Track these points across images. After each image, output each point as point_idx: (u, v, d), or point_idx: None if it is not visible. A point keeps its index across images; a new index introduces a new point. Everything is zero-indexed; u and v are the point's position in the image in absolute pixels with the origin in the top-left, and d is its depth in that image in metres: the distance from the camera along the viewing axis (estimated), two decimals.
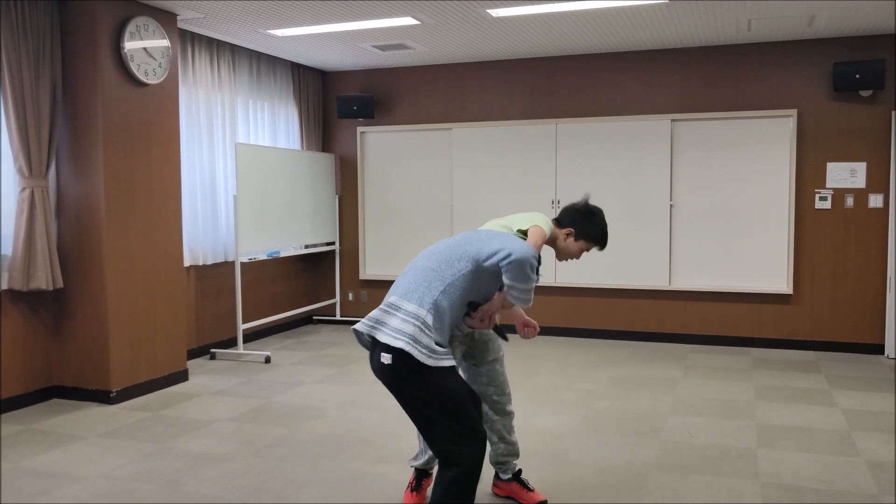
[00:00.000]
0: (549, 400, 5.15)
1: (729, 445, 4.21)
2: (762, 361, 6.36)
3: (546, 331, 7.54)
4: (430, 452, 3.37)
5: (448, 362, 2.65)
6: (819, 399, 5.17)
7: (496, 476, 3.52)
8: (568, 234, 3.21)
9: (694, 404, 5.04)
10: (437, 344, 2.65)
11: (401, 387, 2.66)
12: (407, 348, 2.58)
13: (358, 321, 7.96)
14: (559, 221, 3.22)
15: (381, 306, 2.74)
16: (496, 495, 3.53)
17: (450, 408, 2.64)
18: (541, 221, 3.11)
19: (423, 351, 2.60)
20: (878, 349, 6.60)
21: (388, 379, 2.66)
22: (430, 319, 2.63)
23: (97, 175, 5.03)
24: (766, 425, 4.58)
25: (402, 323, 2.63)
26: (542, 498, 3.38)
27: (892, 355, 6.46)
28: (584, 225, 3.19)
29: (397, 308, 2.68)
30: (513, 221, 3.14)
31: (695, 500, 3.44)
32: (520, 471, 3.49)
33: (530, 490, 3.42)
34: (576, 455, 4.07)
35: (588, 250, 3.26)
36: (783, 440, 4.30)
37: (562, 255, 3.26)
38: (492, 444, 3.43)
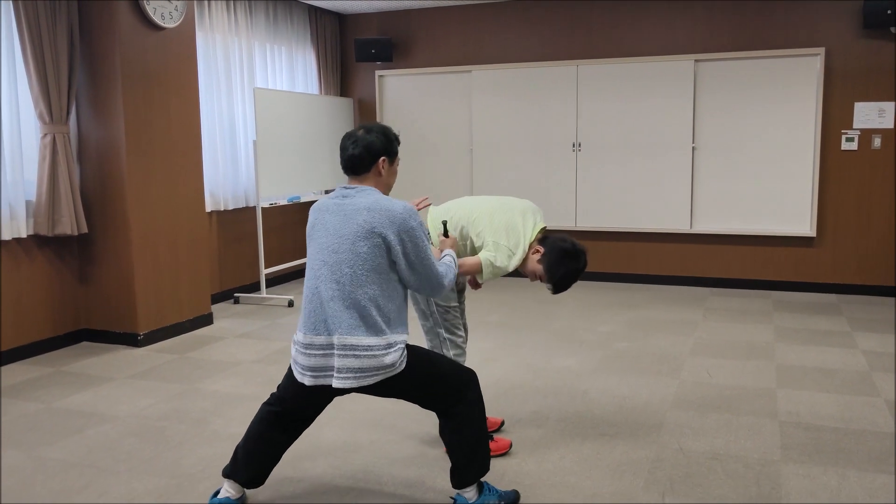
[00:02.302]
0: (570, 341, 5.19)
1: (748, 385, 4.24)
2: (783, 304, 6.34)
3: None
4: None
5: (402, 349, 2.61)
6: (840, 341, 5.16)
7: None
8: (537, 252, 3.13)
9: (713, 346, 5.06)
10: (394, 339, 2.60)
11: (383, 393, 2.67)
12: (378, 379, 2.57)
13: None
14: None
15: (324, 350, 2.58)
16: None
17: (430, 378, 2.68)
18: (511, 243, 3.11)
19: (389, 369, 2.57)
20: None
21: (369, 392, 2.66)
22: (389, 338, 2.58)
23: (117, 120, 5.04)
24: (786, 366, 4.59)
25: (364, 361, 2.54)
26: (508, 442, 3.36)
27: None
28: (558, 259, 3.08)
29: (352, 347, 2.53)
30: (485, 218, 3.18)
31: (713, 438, 3.48)
32: None
33: (492, 437, 3.34)
34: (595, 393, 4.11)
35: (541, 280, 3.17)
36: (802, 380, 4.32)
37: (522, 264, 3.20)
38: None
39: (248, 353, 5.01)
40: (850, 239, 6.67)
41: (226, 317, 6.10)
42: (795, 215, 6.77)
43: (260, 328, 5.70)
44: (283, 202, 7.03)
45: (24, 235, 4.82)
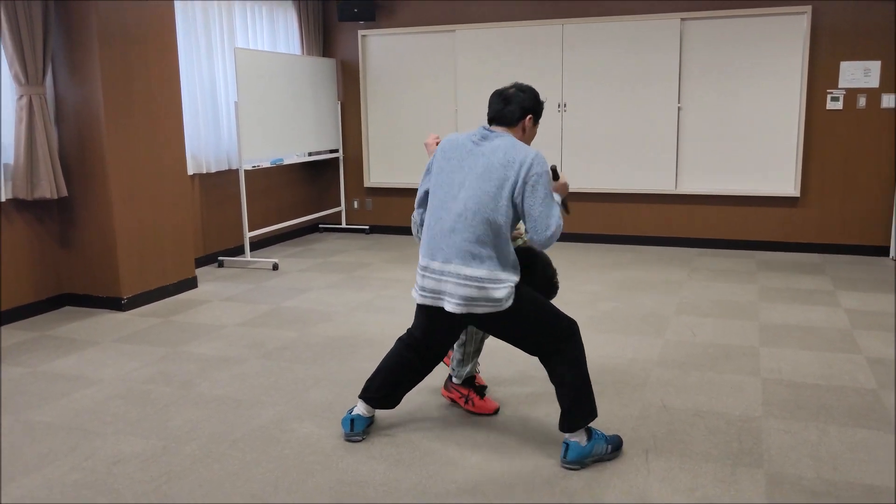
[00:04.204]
0: (555, 301, 5.21)
1: (732, 344, 4.28)
2: (767, 264, 6.39)
3: None
4: (469, 362, 3.40)
5: (512, 287, 2.76)
6: (822, 300, 5.21)
7: (448, 379, 3.46)
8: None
9: (698, 305, 5.09)
10: (505, 276, 2.75)
11: (489, 328, 2.85)
12: (486, 311, 2.75)
13: (365, 228, 7.97)
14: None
15: (442, 274, 2.79)
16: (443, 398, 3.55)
17: (537, 322, 2.81)
18: None
19: (497, 303, 2.74)
20: (884, 251, 6.61)
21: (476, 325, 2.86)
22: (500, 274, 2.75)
23: (94, 80, 4.94)
24: (769, 325, 4.63)
25: (474, 291, 2.73)
26: (496, 405, 3.38)
27: None
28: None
29: (465, 277, 2.74)
30: None
31: (696, 396, 3.52)
32: (474, 377, 3.43)
33: (484, 396, 3.40)
34: None
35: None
36: (785, 339, 4.36)
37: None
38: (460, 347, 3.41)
39: (232, 317, 4.99)
40: (834, 199, 6.70)
41: (210, 280, 6.07)
42: (780, 175, 6.79)
43: (244, 291, 5.68)
44: (267, 164, 6.96)
45: (2, 199, 4.75)
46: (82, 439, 3.15)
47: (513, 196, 2.72)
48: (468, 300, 2.74)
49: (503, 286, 2.73)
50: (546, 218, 2.71)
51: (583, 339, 4.37)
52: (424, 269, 2.84)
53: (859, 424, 3.19)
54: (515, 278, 2.78)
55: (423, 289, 2.85)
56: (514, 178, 2.70)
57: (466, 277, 2.73)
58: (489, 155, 2.76)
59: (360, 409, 3.12)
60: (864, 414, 3.30)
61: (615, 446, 2.91)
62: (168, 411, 3.44)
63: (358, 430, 3.09)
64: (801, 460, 2.87)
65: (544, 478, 2.77)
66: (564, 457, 2.83)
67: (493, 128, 2.88)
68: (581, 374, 2.85)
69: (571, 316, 4.84)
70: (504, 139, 2.79)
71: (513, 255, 2.80)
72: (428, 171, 2.95)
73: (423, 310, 2.96)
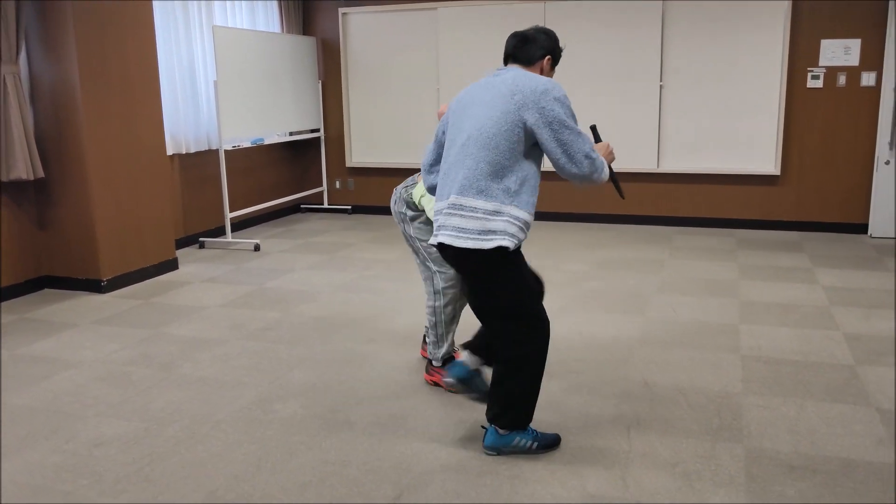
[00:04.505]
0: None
1: (712, 322, 4.32)
2: (747, 242, 6.44)
3: (535, 215, 7.56)
4: (446, 341, 3.40)
5: (512, 223, 2.53)
6: (801, 277, 5.26)
7: (429, 363, 3.48)
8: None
9: (679, 284, 5.13)
10: (507, 209, 2.53)
11: (470, 275, 2.64)
12: (475, 244, 2.52)
13: (347, 209, 7.94)
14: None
15: (452, 209, 2.56)
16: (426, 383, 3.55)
17: (516, 291, 2.61)
18: None
19: (488, 236, 2.52)
20: (863, 229, 6.68)
21: (471, 268, 2.62)
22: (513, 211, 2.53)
23: (70, 59, 4.85)
24: (749, 302, 4.68)
25: (486, 223, 2.51)
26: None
27: (875, 234, 6.55)
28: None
29: (460, 207, 2.54)
30: None
31: (678, 373, 3.55)
32: (452, 356, 3.45)
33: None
34: (563, 331, 4.16)
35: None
36: (765, 316, 4.40)
37: None
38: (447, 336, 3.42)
39: (214, 298, 4.97)
40: (814, 177, 6.75)
41: (191, 262, 6.03)
42: (761, 154, 6.82)
43: (226, 272, 5.65)
44: (247, 144, 6.90)
45: None
46: (63, 422, 3.13)
47: (525, 126, 2.49)
48: (459, 230, 2.53)
49: (500, 219, 2.50)
50: (576, 144, 2.47)
51: (567, 317, 4.40)
52: (438, 211, 2.64)
53: (836, 399, 3.23)
54: (519, 214, 2.52)
55: (439, 228, 2.64)
56: (522, 105, 2.49)
57: (462, 206, 2.53)
58: (498, 85, 2.57)
59: (466, 359, 2.93)
60: (841, 389, 3.34)
61: (545, 444, 2.79)
62: (150, 393, 3.42)
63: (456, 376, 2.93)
64: (779, 435, 2.91)
65: (527, 453, 2.78)
66: (483, 439, 2.81)
67: (510, 66, 2.71)
68: (521, 384, 2.68)
69: (554, 295, 4.87)
70: (516, 70, 2.61)
71: (524, 196, 2.54)
72: (436, 137, 2.82)
73: (440, 249, 2.70)
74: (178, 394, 3.40)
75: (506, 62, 2.76)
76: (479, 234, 2.51)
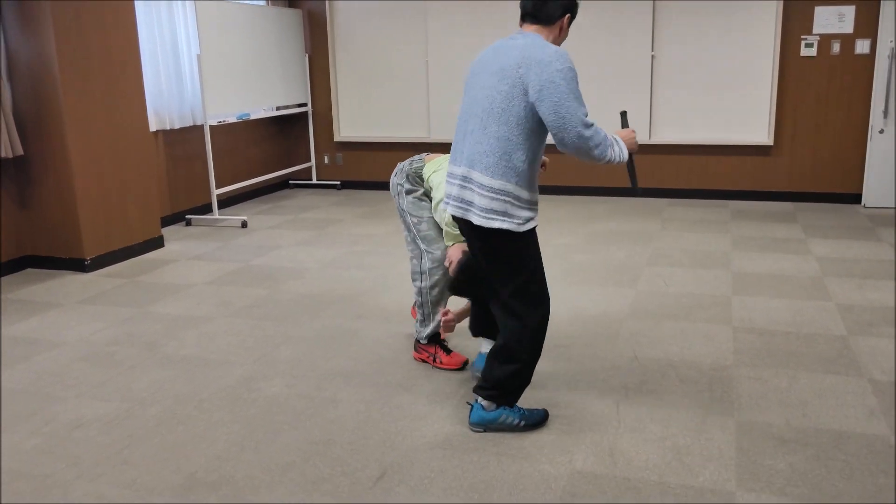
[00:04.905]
0: None
1: (704, 293, 4.27)
2: (740, 213, 6.38)
3: None
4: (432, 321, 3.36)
5: (516, 204, 2.54)
6: (794, 248, 5.21)
7: (417, 342, 3.44)
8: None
9: (671, 256, 5.07)
10: (514, 190, 2.52)
11: (481, 254, 2.65)
12: (486, 222, 2.53)
13: (336, 184, 7.85)
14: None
15: (464, 182, 2.58)
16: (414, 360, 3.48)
17: (521, 272, 2.60)
18: None
19: (517, 221, 2.54)
20: (856, 199, 6.63)
21: (483, 242, 2.62)
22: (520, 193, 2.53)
23: (47, 34, 4.73)
24: (742, 274, 4.63)
25: (491, 201, 2.51)
26: (463, 358, 3.35)
27: (869, 204, 6.50)
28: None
29: (473, 181, 2.54)
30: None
31: (668, 346, 3.51)
32: (438, 333, 3.40)
33: (450, 351, 3.37)
34: (553, 305, 4.11)
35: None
36: (757, 287, 4.36)
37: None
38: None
39: (200, 276, 4.90)
40: (807, 147, 6.68)
41: (177, 239, 5.95)
42: (754, 124, 6.74)
43: (212, 250, 5.57)
44: (233, 119, 6.79)
45: None
46: (43, 403, 3.07)
47: (527, 98, 2.44)
48: (467, 203, 2.56)
49: (504, 199, 2.49)
50: (574, 117, 2.40)
51: (557, 291, 4.35)
52: (451, 174, 2.65)
53: (828, 371, 3.20)
54: (521, 195, 2.51)
55: (448, 195, 2.66)
56: (526, 76, 2.43)
57: (471, 180, 2.54)
58: (509, 52, 2.49)
59: (486, 345, 3.10)
60: (833, 360, 3.31)
61: (532, 422, 2.75)
62: (133, 373, 3.36)
63: (478, 367, 3.13)
64: (770, 407, 2.87)
65: (513, 431, 2.74)
66: (469, 416, 2.78)
67: (525, 27, 2.61)
68: (514, 367, 2.66)
69: (546, 269, 4.81)
70: (527, 38, 2.51)
71: (531, 175, 2.53)
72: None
73: (455, 221, 2.72)
74: (161, 373, 3.35)
75: (523, 21, 2.63)
76: (483, 211, 2.53)
